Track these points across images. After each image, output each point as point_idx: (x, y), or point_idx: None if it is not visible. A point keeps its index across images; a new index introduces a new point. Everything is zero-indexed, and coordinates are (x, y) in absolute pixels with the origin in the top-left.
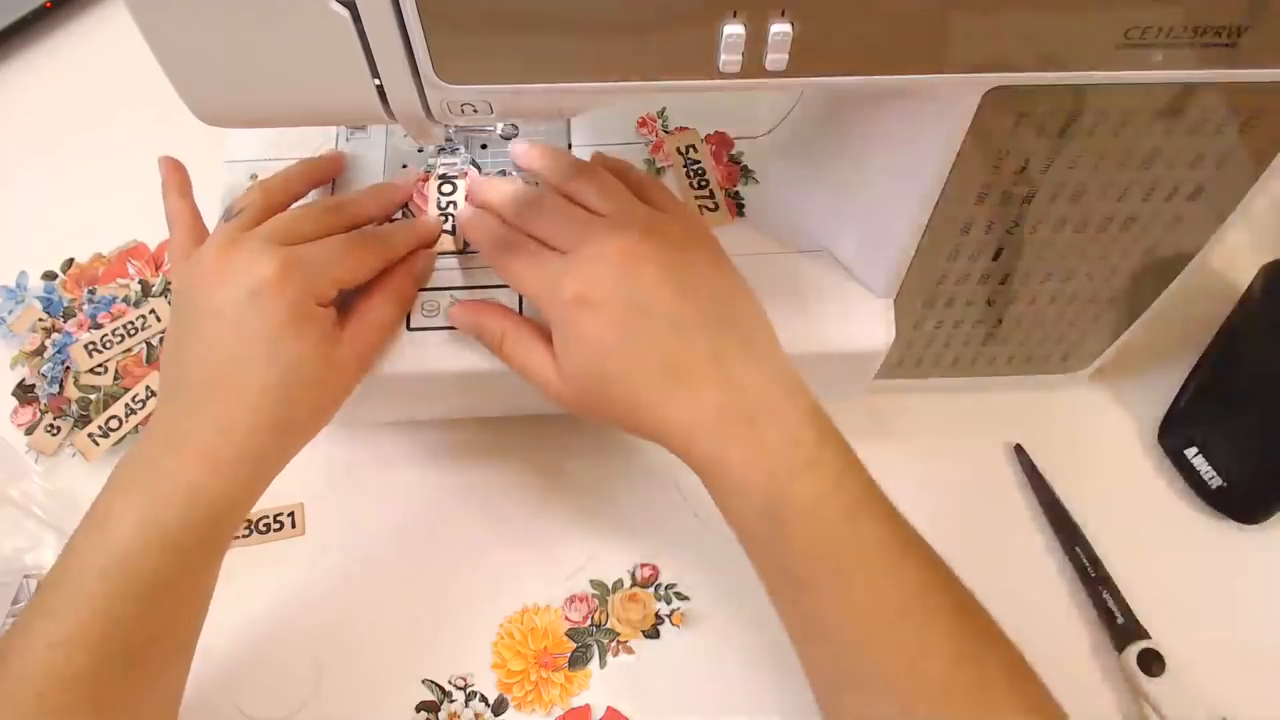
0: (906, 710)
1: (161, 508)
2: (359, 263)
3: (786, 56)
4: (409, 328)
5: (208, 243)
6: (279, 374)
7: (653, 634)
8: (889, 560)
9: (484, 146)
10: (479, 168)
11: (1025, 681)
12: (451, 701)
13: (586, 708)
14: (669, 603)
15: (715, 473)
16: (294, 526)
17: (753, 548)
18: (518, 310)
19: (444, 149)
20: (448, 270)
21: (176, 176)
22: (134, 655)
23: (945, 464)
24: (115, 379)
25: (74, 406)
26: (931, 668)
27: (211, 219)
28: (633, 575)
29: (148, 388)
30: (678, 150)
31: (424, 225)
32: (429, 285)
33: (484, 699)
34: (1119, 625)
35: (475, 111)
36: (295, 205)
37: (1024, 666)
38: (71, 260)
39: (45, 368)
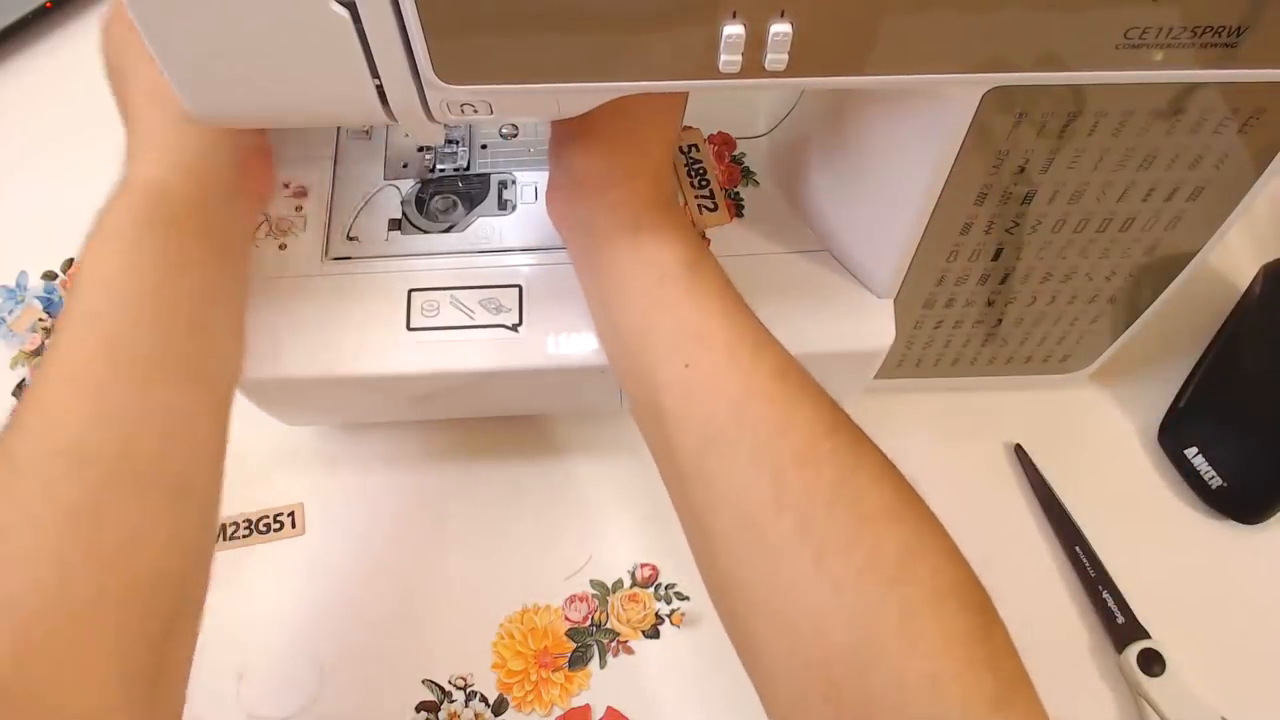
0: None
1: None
2: None
3: (786, 56)
4: (409, 328)
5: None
6: None
7: (653, 634)
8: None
9: (484, 146)
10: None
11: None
12: (451, 701)
13: (586, 708)
14: (669, 603)
15: None
16: (294, 526)
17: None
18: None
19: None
20: (449, 270)
21: None
22: (168, 324)
23: (945, 464)
24: None
25: None
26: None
27: None
28: (633, 575)
29: None
30: (680, 150)
31: None
32: (429, 285)
33: (484, 699)
34: (1119, 625)
35: (475, 111)
36: None
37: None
38: (71, 260)
39: None
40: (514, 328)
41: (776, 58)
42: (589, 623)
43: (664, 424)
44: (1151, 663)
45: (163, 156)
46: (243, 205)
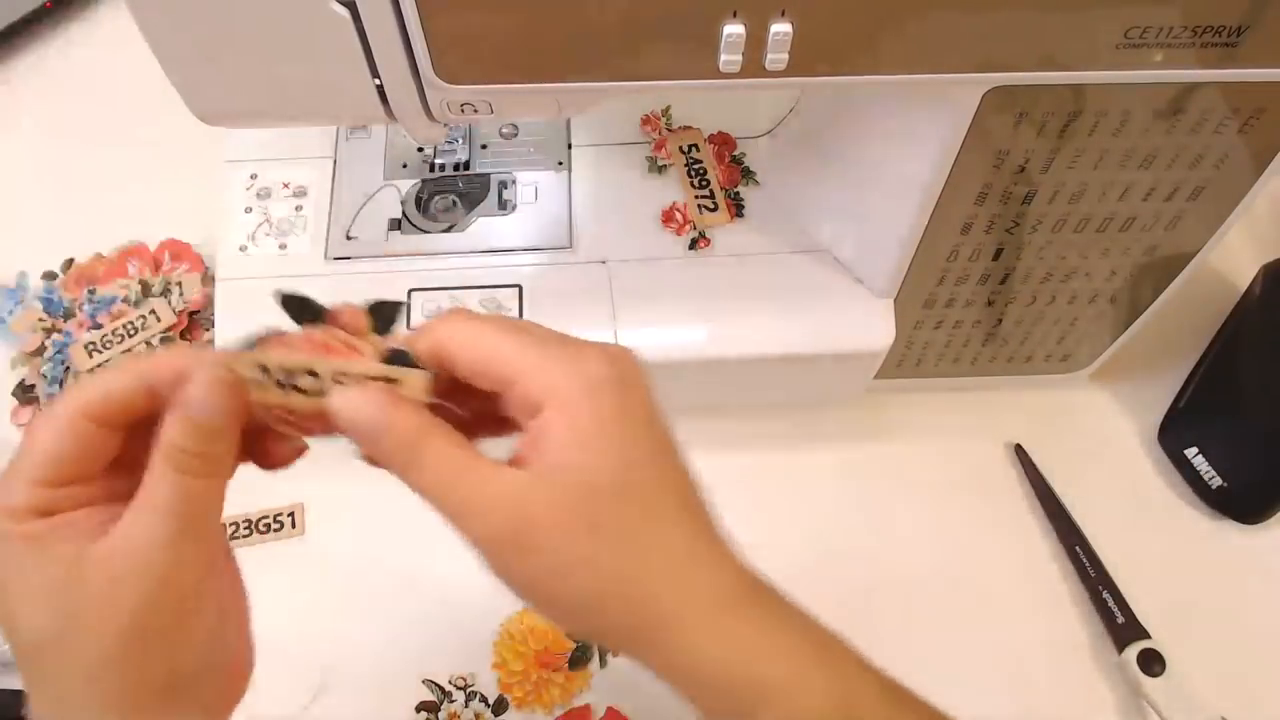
0: None
1: None
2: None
3: (786, 56)
4: (410, 328)
5: None
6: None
7: None
8: None
9: (484, 146)
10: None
11: None
12: (451, 701)
13: (587, 708)
14: None
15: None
16: (294, 526)
17: None
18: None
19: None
20: (449, 270)
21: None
22: None
23: (945, 464)
24: None
25: None
26: None
27: (210, 217)
28: None
29: None
30: (680, 149)
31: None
32: (429, 285)
33: (484, 699)
34: (1119, 625)
35: (475, 111)
36: None
37: None
38: (71, 260)
39: (46, 368)
40: None
41: (776, 58)
42: None
43: None
44: (1151, 663)
45: None
46: None
